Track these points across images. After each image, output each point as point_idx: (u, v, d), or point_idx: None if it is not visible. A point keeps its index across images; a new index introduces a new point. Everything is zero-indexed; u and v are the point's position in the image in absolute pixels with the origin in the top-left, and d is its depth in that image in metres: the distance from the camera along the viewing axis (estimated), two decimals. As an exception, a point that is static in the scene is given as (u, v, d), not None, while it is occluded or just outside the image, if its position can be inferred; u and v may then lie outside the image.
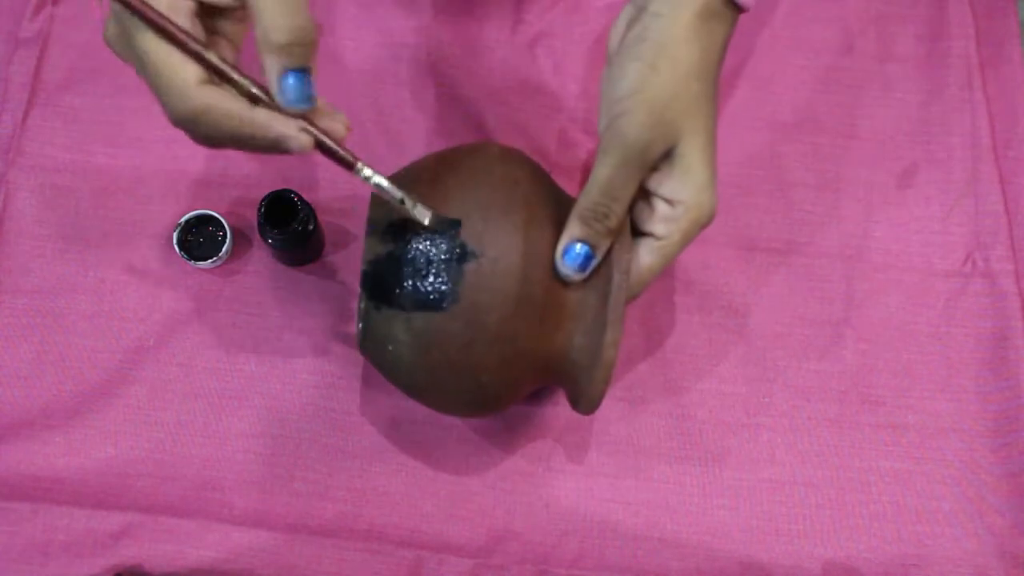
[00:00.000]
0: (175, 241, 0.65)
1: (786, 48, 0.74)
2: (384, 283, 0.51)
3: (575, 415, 0.65)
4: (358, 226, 0.69)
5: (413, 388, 0.55)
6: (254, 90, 0.43)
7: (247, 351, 0.66)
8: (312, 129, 0.44)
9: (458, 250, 0.49)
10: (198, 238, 0.66)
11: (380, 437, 0.65)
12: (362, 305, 0.52)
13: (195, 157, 0.69)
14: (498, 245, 0.49)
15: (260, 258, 0.68)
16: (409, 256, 0.50)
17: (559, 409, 0.65)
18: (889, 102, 0.73)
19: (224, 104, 0.42)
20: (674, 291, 0.68)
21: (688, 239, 0.52)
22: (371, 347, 0.54)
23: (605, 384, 0.52)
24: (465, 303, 0.49)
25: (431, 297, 0.49)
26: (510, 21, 0.74)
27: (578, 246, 0.50)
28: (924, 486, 0.65)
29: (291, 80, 0.42)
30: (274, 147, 0.43)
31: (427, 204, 0.49)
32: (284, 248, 0.64)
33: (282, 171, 0.69)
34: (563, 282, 0.51)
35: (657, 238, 0.52)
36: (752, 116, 0.72)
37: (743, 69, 0.73)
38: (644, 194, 0.53)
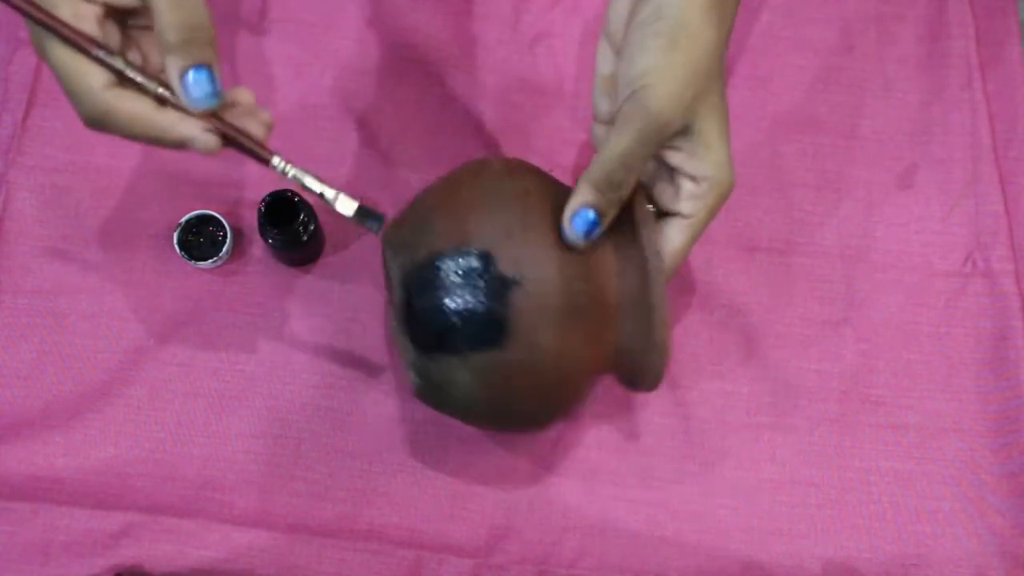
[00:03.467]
0: (175, 241, 0.65)
1: (786, 48, 0.74)
2: (431, 331, 0.51)
3: (572, 415, 0.65)
4: (358, 226, 0.68)
5: (479, 419, 0.56)
6: (161, 91, 0.44)
7: (247, 351, 0.66)
8: (221, 127, 0.45)
9: (499, 281, 0.49)
10: (198, 238, 0.66)
11: (380, 437, 0.65)
12: (410, 357, 0.53)
13: (195, 157, 0.68)
14: (534, 265, 0.49)
15: (260, 258, 0.68)
16: (451, 301, 0.49)
17: (559, 409, 0.66)
18: (889, 102, 0.73)
19: (127, 107, 0.43)
20: (675, 291, 0.68)
21: (713, 214, 0.53)
22: (430, 393, 0.54)
23: (663, 362, 0.52)
24: (519, 332, 0.49)
25: (486, 336, 0.49)
26: (510, 21, 0.74)
27: (586, 212, 0.49)
28: (924, 486, 0.65)
29: (192, 78, 0.43)
30: (180, 147, 0.44)
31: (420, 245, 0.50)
32: (284, 248, 0.64)
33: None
34: (600, 280, 0.51)
35: (685, 216, 0.53)
36: (752, 116, 0.72)
37: (743, 69, 0.73)
38: (668, 174, 0.53)
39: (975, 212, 0.71)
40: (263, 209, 0.62)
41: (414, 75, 0.72)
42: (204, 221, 0.66)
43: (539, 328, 0.49)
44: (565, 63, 0.73)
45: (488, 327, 0.49)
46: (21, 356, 0.65)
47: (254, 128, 0.46)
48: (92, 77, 0.43)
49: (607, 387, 0.66)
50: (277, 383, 0.65)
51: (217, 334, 0.66)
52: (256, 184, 0.68)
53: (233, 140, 0.45)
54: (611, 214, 0.50)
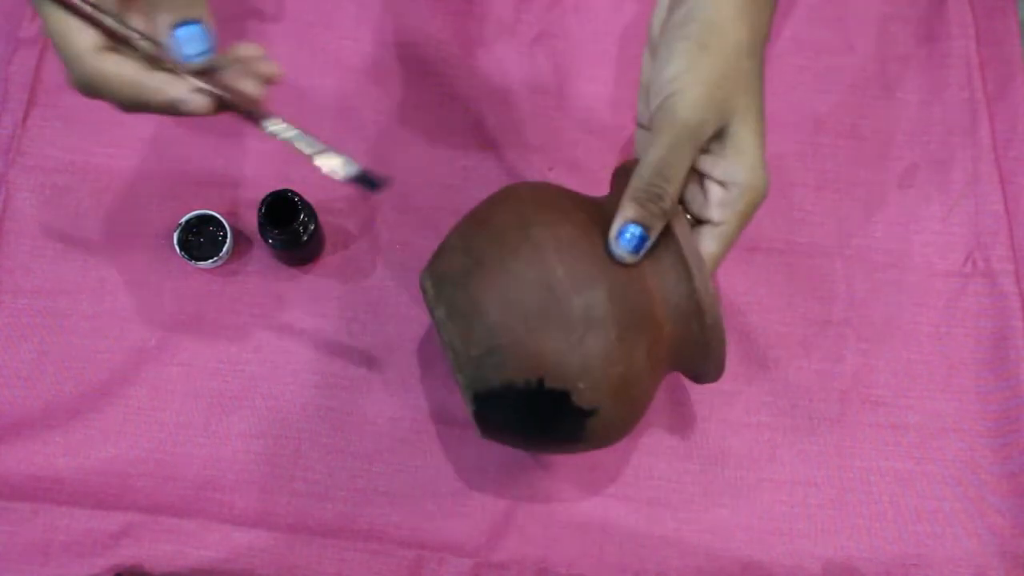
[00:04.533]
0: (175, 241, 0.65)
1: (786, 48, 0.74)
2: (504, 434, 0.54)
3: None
4: (358, 226, 0.69)
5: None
6: (152, 50, 0.42)
7: (247, 351, 0.66)
8: (210, 88, 0.43)
9: (577, 413, 0.49)
10: (198, 238, 0.66)
11: (380, 437, 0.65)
12: (480, 432, 0.54)
13: (195, 157, 0.69)
14: (610, 391, 0.49)
15: (260, 258, 0.68)
16: (527, 422, 0.51)
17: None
18: (889, 102, 0.73)
19: (116, 69, 0.42)
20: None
21: (745, 221, 0.51)
22: (489, 437, 0.55)
23: (724, 356, 0.52)
24: (590, 439, 0.52)
25: (559, 443, 0.53)
26: (510, 21, 0.74)
27: (632, 228, 0.48)
28: (924, 486, 0.65)
29: (181, 34, 0.41)
30: (171, 110, 0.43)
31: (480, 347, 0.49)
32: (284, 248, 0.64)
33: (282, 171, 0.69)
34: (653, 328, 0.50)
35: (715, 224, 0.51)
36: (752, 116, 0.72)
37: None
38: (696, 178, 0.51)
39: (975, 212, 0.71)
40: (263, 209, 0.62)
41: (414, 75, 0.72)
42: (204, 221, 0.66)
43: (611, 435, 0.52)
44: (565, 63, 0.73)
45: (563, 439, 0.52)
46: (21, 356, 0.65)
47: (250, 88, 0.44)
48: (82, 39, 0.42)
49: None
50: (277, 383, 0.65)
51: (217, 334, 0.66)
52: (256, 184, 0.68)
53: (223, 100, 0.43)
54: (658, 226, 0.48)
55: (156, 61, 0.43)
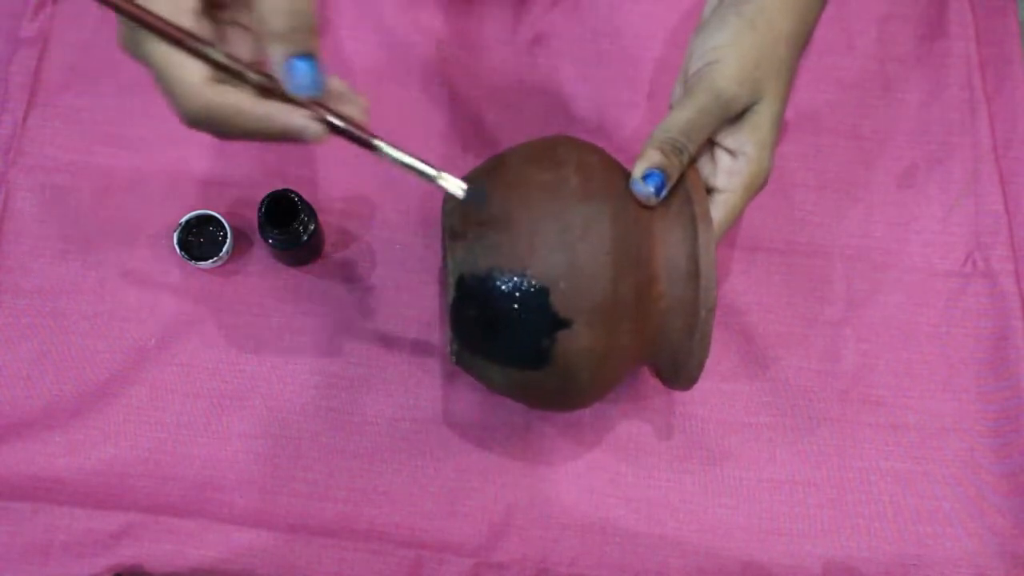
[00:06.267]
0: (175, 241, 0.65)
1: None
2: (475, 339, 0.52)
3: (574, 414, 0.65)
4: (358, 226, 0.69)
5: (509, 398, 0.57)
6: (263, 82, 0.43)
7: (247, 351, 0.66)
8: (325, 115, 0.43)
9: (551, 320, 0.49)
10: (198, 238, 0.66)
11: (380, 437, 0.65)
12: (454, 347, 0.54)
13: (195, 157, 0.69)
14: (587, 310, 0.49)
15: (260, 258, 0.68)
16: (499, 321, 0.50)
17: (559, 409, 0.66)
18: (889, 102, 0.73)
19: (230, 100, 0.42)
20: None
21: (750, 194, 0.53)
22: (464, 365, 0.56)
23: (710, 334, 0.51)
24: (558, 365, 0.50)
25: (526, 362, 0.51)
26: (510, 21, 0.74)
27: (655, 173, 0.51)
28: (924, 486, 0.65)
29: (296, 67, 0.42)
30: (286, 138, 0.43)
31: (486, 244, 0.50)
32: (284, 248, 0.64)
33: (282, 171, 0.69)
34: (647, 276, 0.51)
35: (719, 191, 0.53)
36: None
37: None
38: (708, 147, 0.54)
39: (975, 212, 0.71)
40: (263, 209, 0.62)
41: (414, 75, 0.72)
42: (204, 221, 0.66)
43: (581, 366, 0.50)
44: (565, 63, 0.73)
45: (530, 356, 0.50)
46: (22, 356, 0.65)
47: (355, 114, 0.45)
48: (191, 72, 0.41)
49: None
50: (277, 383, 0.65)
51: (217, 334, 0.66)
52: (256, 184, 0.68)
53: (336, 127, 0.44)
54: (674, 176, 0.51)
55: (266, 91, 0.43)
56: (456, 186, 0.47)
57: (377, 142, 0.45)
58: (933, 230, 0.70)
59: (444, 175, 0.47)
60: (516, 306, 0.49)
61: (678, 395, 0.66)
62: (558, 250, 0.49)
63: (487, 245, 0.50)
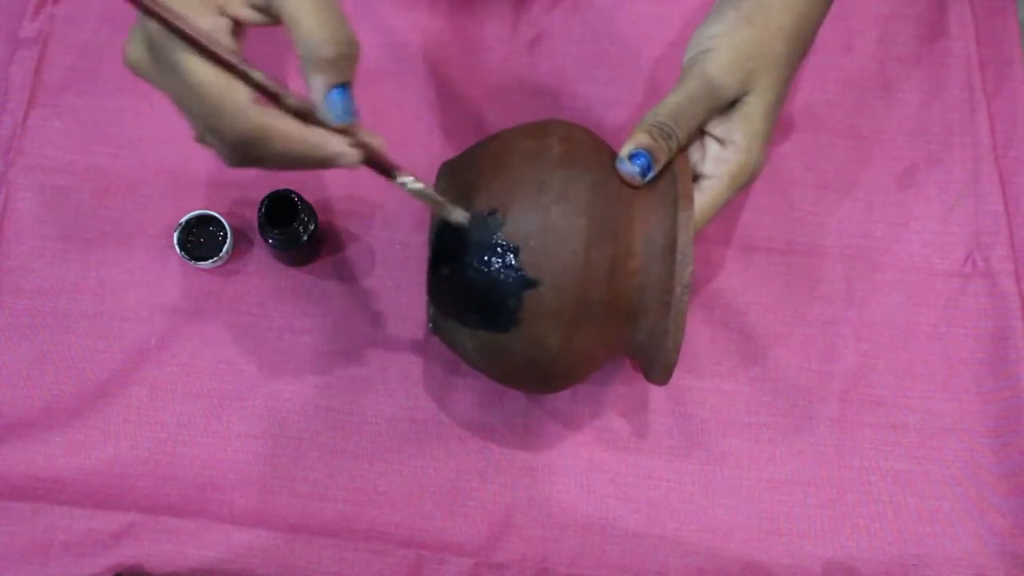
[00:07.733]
0: (175, 241, 0.65)
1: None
2: (447, 299, 0.53)
3: (574, 414, 0.65)
4: (358, 226, 0.69)
5: (480, 372, 0.57)
6: (302, 107, 0.42)
7: (247, 351, 0.66)
8: (359, 142, 0.44)
9: (520, 279, 0.49)
10: (199, 238, 0.66)
11: (380, 437, 0.65)
12: (431, 311, 0.55)
13: (195, 157, 0.69)
14: (558, 271, 0.49)
15: (260, 258, 0.68)
16: (469, 278, 0.50)
17: (559, 405, 0.65)
18: (889, 102, 0.73)
19: (279, 124, 0.41)
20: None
21: (737, 183, 0.53)
22: (439, 334, 0.56)
23: (684, 316, 0.51)
24: (526, 327, 0.50)
25: (495, 323, 0.50)
26: (510, 21, 0.74)
27: (642, 154, 0.51)
28: (924, 486, 0.65)
29: (336, 96, 0.41)
30: (324, 164, 0.43)
31: (466, 205, 0.51)
32: (284, 248, 0.64)
33: (282, 171, 0.69)
34: (623, 250, 0.50)
35: (706, 177, 0.54)
36: (752, 116, 0.72)
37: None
38: (699, 136, 0.55)
39: (975, 212, 0.71)
40: (263, 209, 0.62)
41: (414, 75, 0.72)
42: (204, 221, 0.66)
43: (548, 330, 0.50)
44: (565, 63, 0.73)
45: (498, 316, 0.50)
46: (22, 356, 0.65)
47: (378, 144, 0.45)
48: (238, 93, 0.40)
49: (607, 388, 0.66)
50: (277, 383, 0.65)
51: (217, 334, 0.66)
52: (256, 184, 0.68)
53: (368, 156, 0.45)
54: (662, 160, 0.52)
55: (301, 115, 0.42)
56: (463, 217, 0.50)
57: (399, 173, 0.47)
58: (933, 230, 0.70)
59: (456, 209, 0.50)
60: (486, 262, 0.50)
61: (678, 395, 0.66)
62: (532, 209, 0.49)
63: (466, 204, 0.51)
